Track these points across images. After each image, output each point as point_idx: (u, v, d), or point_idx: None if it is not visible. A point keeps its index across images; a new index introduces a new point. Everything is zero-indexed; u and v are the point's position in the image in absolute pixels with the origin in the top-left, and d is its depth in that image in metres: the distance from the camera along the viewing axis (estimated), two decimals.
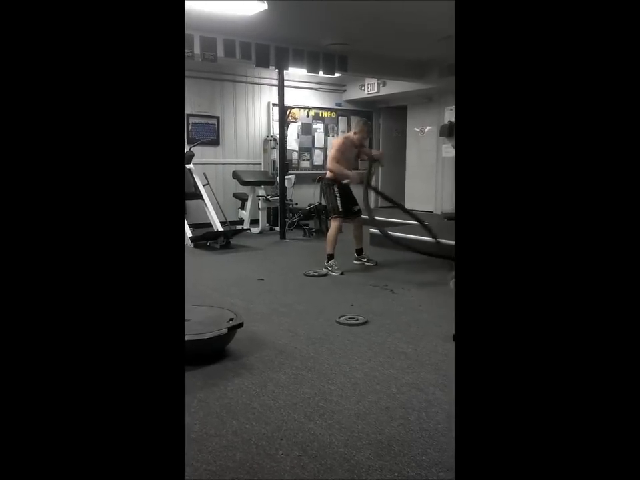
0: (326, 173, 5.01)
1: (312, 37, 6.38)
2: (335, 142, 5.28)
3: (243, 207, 7.80)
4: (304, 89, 8.91)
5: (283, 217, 6.98)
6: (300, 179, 8.24)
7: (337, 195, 4.84)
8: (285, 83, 6.93)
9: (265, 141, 8.52)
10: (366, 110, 9.73)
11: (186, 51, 5.72)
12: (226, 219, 7.12)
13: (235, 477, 1.74)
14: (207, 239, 6.22)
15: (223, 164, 8.06)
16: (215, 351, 2.74)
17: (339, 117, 9.49)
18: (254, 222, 7.54)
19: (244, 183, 7.38)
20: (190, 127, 7.77)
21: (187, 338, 2.27)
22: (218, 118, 8.06)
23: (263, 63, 6.52)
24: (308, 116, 9.07)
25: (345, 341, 3.03)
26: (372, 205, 5.00)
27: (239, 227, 7.07)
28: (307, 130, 9.10)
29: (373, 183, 5.67)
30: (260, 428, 2.03)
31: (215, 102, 8.01)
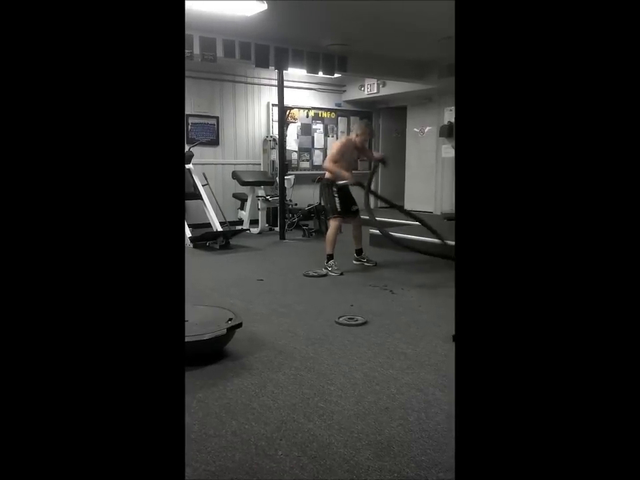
0: (325, 174, 5.02)
1: (311, 37, 6.39)
2: (335, 144, 5.30)
3: (242, 207, 7.80)
4: (303, 90, 8.91)
5: (282, 217, 6.98)
6: (299, 180, 8.24)
7: (335, 195, 4.84)
8: (285, 83, 6.93)
9: (265, 141, 8.52)
10: (365, 110, 9.73)
11: (185, 51, 5.71)
12: (225, 219, 7.12)
13: (234, 477, 1.74)
14: (206, 239, 6.22)
15: (223, 164, 8.06)
16: (214, 351, 2.74)
17: (339, 118, 9.49)
18: (253, 222, 7.54)
19: (243, 183, 7.38)
20: (189, 127, 7.76)
21: (185, 339, 2.27)
22: (217, 118, 8.06)
23: (263, 63, 6.53)
24: (307, 116, 9.07)
25: (345, 341, 3.03)
26: (372, 206, 5.00)
27: (239, 227, 7.07)
28: (306, 130, 9.10)
29: (372, 184, 5.67)
30: (259, 428, 2.03)
31: (215, 102, 8.01)
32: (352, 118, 9.64)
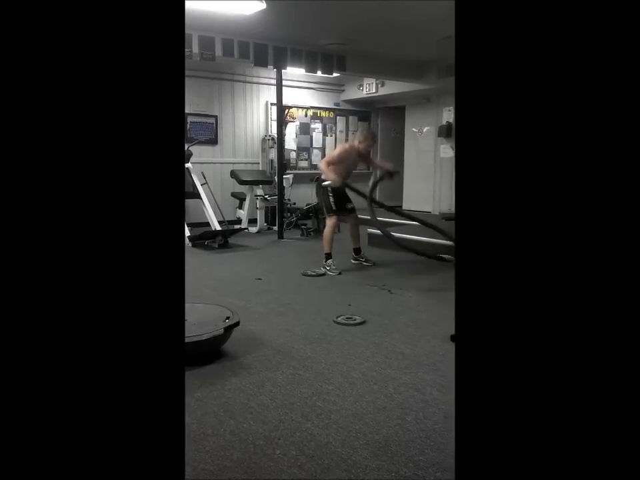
0: (322, 173, 5.03)
1: (310, 37, 6.38)
2: (337, 148, 5.35)
3: (240, 207, 7.79)
4: (302, 89, 8.91)
5: (280, 216, 6.98)
6: (298, 179, 8.25)
7: (330, 193, 4.86)
8: (283, 83, 6.93)
9: (263, 140, 8.51)
10: (364, 110, 9.74)
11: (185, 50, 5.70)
12: (224, 218, 7.11)
13: (233, 476, 1.74)
14: (205, 238, 6.22)
15: (221, 163, 8.05)
16: (211, 351, 2.73)
17: (337, 117, 9.50)
18: (252, 221, 7.54)
19: (242, 182, 7.38)
20: (188, 126, 7.76)
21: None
22: (216, 117, 8.05)
23: (261, 62, 6.52)
24: (306, 115, 9.07)
25: (343, 340, 3.03)
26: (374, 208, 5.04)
27: (237, 227, 7.08)
28: (305, 129, 9.10)
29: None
30: (257, 427, 2.03)
31: (213, 101, 8.00)
32: (350, 117, 9.65)
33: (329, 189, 4.84)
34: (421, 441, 1.95)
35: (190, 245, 6.19)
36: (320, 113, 9.27)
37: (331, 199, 4.87)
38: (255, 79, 8.32)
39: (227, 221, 7.21)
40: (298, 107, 8.88)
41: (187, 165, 6.75)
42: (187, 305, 2.85)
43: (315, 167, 8.93)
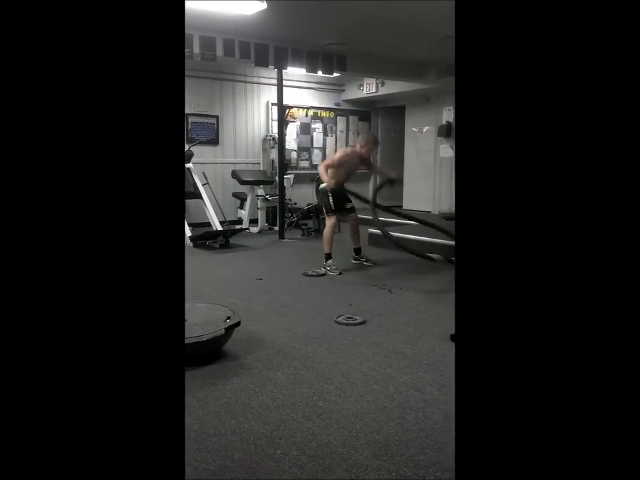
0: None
1: (311, 37, 6.39)
2: (339, 152, 5.35)
3: (242, 207, 7.80)
4: (303, 89, 8.91)
5: (281, 216, 6.98)
6: (299, 179, 8.25)
7: (329, 193, 4.87)
8: (284, 83, 6.93)
9: (264, 140, 8.51)
10: (364, 110, 9.74)
11: (185, 50, 5.71)
12: (225, 218, 7.12)
13: (234, 476, 1.74)
14: (206, 238, 6.23)
15: (222, 163, 8.06)
16: (212, 351, 2.74)
17: (338, 117, 9.50)
18: (253, 221, 7.54)
19: (243, 183, 7.38)
20: (189, 127, 7.76)
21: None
22: (217, 117, 8.05)
23: (262, 62, 6.53)
24: (307, 115, 9.07)
25: (343, 340, 3.04)
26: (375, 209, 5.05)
27: (238, 227, 7.07)
28: (305, 129, 9.10)
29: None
30: (258, 427, 2.04)
31: (214, 101, 8.00)
32: (351, 117, 9.65)
33: (328, 189, 4.85)
34: (421, 440, 1.95)
35: (191, 245, 6.19)
36: (320, 113, 9.27)
37: (331, 199, 4.88)
38: (256, 79, 8.33)
39: (228, 221, 7.22)
40: (299, 107, 8.88)
41: (188, 165, 6.75)
42: (188, 305, 2.86)
43: (315, 167, 8.92)
